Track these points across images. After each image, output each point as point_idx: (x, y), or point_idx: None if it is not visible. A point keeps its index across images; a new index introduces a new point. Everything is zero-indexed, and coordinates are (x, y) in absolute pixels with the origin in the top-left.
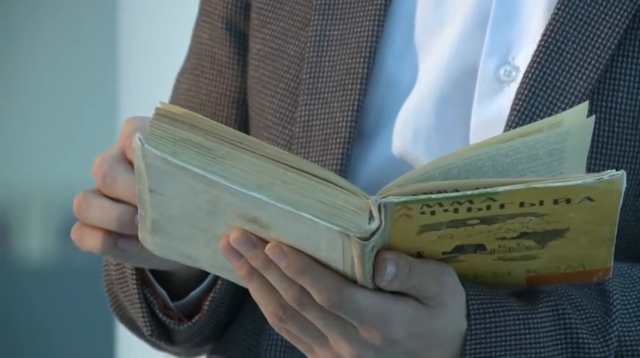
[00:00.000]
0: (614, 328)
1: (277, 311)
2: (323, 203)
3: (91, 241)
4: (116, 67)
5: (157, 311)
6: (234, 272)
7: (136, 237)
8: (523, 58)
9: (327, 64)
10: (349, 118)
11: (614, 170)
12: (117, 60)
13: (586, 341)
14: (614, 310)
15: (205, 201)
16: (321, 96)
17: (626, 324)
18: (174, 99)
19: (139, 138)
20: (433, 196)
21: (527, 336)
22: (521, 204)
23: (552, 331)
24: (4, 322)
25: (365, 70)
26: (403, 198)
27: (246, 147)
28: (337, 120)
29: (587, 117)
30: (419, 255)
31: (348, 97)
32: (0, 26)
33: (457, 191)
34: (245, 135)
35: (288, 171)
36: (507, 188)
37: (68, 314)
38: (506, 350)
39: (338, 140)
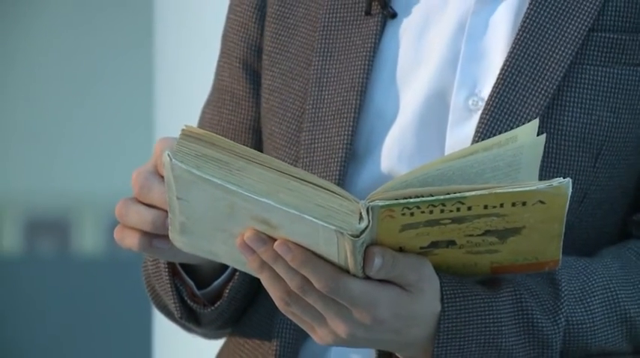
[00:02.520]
0: (563, 310)
1: (284, 296)
2: (321, 206)
3: (130, 240)
4: (152, 98)
5: (186, 298)
6: (248, 265)
7: (167, 237)
8: (488, 89)
9: (326, 97)
10: (345, 142)
11: (561, 178)
12: (153, 91)
13: (539, 320)
14: (563, 295)
15: (224, 206)
16: (322, 123)
17: (572, 307)
18: (200, 127)
19: (168, 154)
20: (412, 200)
21: (491, 316)
22: (485, 207)
23: (512, 312)
24: (64, 305)
25: (357, 102)
26: (387, 202)
27: (257, 162)
28: (335, 143)
29: (538, 136)
30: (401, 250)
31: (343, 125)
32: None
33: (432, 196)
34: (256, 151)
35: (291, 180)
36: (474, 193)
37: (114, 300)
38: (473, 328)
39: (336, 160)
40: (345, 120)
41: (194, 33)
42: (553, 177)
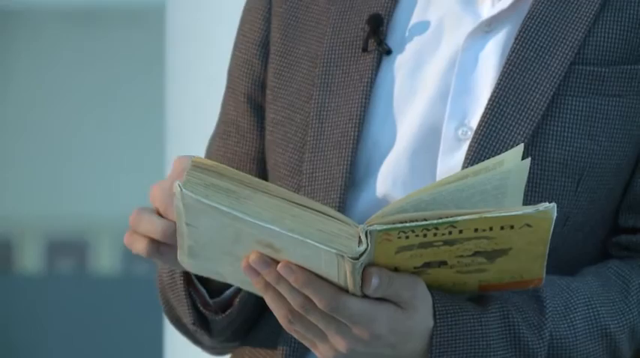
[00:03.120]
0: (547, 325)
1: (287, 315)
2: (322, 231)
3: (139, 245)
4: (164, 124)
5: (199, 305)
6: (253, 285)
7: (174, 246)
8: (476, 120)
9: (326, 129)
10: (344, 171)
11: (547, 202)
12: (165, 115)
13: (525, 335)
14: (547, 311)
15: (231, 232)
16: (322, 154)
17: (556, 322)
18: (207, 158)
19: (179, 185)
20: (407, 225)
21: (480, 331)
22: (476, 230)
23: (499, 327)
24: (81, 320)
25: (356, 134)
26: (384, 226)
27: (262, 190)
28: (335, 172)
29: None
30: (396, 269)
31: (343, 155)
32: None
33: (426, 220)
34: (262, 180)
35: (294, 207)
36: (464, 218)
37: (128, 315)
38: (464, 342)
39: (336, 188)
40: (344, 150)
41: (206, 54)
42: (537, 200)
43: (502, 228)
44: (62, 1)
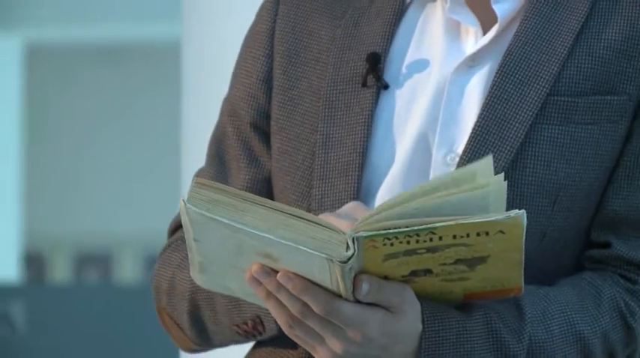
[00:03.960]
0: (526, 330)
1: (288, 321)
2: (313, 238)
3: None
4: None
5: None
6: (257, 297)
7: None
8: (462, 147)
9: (332, 158)
10: (351, 196)
11: (517, 210)
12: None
13: (506, 339)
14: (526, 318)
15: (233, 244)
16: (330, 181)
17: (535, 328)
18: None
19: (183, 200)
20: (391, 231)
21: (465, 336)
22: (454, 237)
23: (483, 332)
24: (106, 328)
25: (360, 162)
26: (369, 233)
27: (258, 203)
28: (343, 197)
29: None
30: (386, 278)
31: (349, 181)
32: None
33: (407, 227)
34: (257, 196)
35: (288, 218)
36: (442, 224)
37: (149, 322)
38: (450, 345)
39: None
40: (350, 177)
41: (219, 84)
42: None
43: (478, 234)
44: (89, 40)
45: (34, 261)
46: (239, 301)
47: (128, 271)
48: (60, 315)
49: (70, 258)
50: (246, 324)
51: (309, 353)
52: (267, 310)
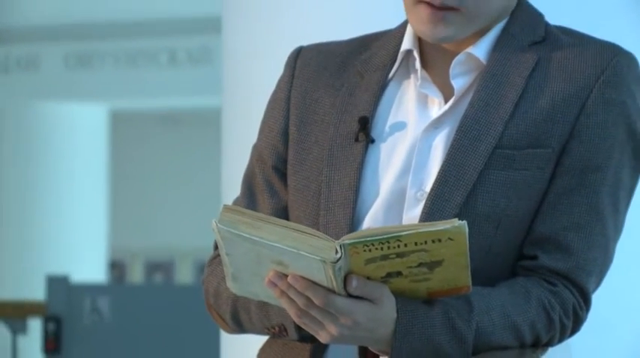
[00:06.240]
0: (474, 319)
1: (297, 312)
2: (311, 246)
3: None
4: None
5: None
6: (274, 298)
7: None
8: (429, 186)
9: (333, 195)
10: (348, 224)
11: (457, 219)
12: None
13: (459, 325)
14: (474, 310)
15: (253, 255)
16: (332, 212)
17: (480, 317)
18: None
19: (215, 222)
20: (368, 239)
21: (429, 322)
22: (416, 244)
23: (442, 320)
24: (169, 319)
25: (354, 198)
26: (352, 241)
27: (269, 222)
28: (342, 225)
29: (460, 219)
30: (368, 279)
31: (346, 213)
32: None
33: (379, 236)
34: (268, 216)
35: (292, 231)
36: (405, 233)
37: (203, 322)
38: (417, 329)
39: (342, 235)
40: (347, 210)
41: (250, 137)
42: (471, 239)
43: (433, 241)
44: (156, 108)
45: (117, 267)
46: (268, 311)
47: (186, 275)
48: (135, 308)
49: (143, 264)
50: (274, 328)
51: (314, 346)
52: (291, 320)
